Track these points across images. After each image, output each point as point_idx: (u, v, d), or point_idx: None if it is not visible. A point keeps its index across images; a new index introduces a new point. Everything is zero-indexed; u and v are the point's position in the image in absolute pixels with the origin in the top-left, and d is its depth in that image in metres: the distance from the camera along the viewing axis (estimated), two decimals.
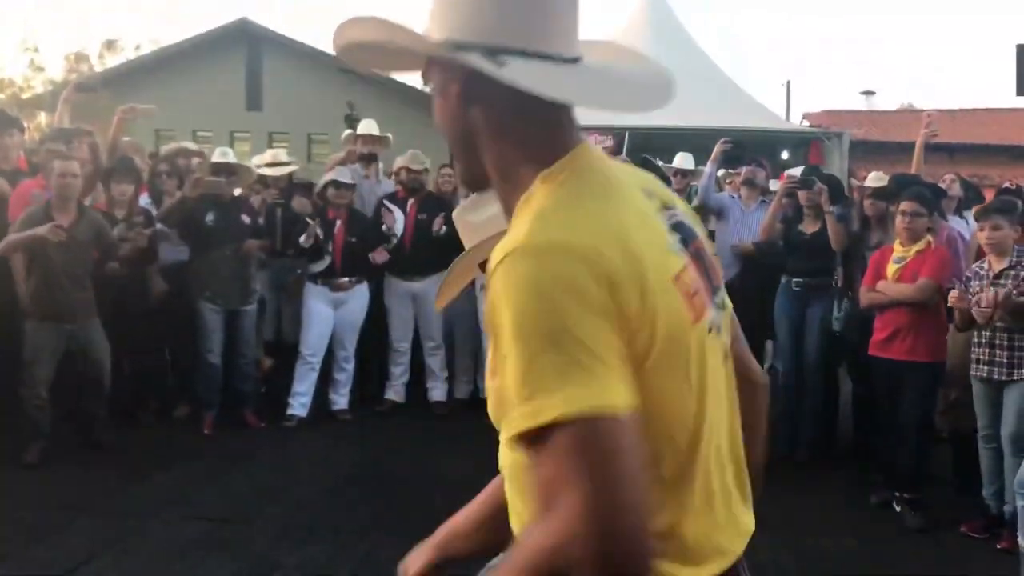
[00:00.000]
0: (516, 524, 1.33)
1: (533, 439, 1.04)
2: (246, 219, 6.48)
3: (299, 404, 6.64)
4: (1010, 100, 13.58)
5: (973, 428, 4.77)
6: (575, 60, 1.26)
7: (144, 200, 6.67)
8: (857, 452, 5.93)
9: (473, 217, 2.22)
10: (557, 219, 1.15)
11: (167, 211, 6.44)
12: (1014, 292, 4.40)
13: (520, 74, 1.18)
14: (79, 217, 5.63)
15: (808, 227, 6.05)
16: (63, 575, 3.95)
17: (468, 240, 2.39)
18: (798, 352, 6.05)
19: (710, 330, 1.27)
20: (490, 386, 1.31)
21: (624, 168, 1.35)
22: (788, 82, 25.52)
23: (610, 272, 1.10)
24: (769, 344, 6.88)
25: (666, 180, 6.95)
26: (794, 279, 6.05)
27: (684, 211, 1.36)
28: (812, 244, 5.97)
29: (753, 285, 6.50)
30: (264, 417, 6.58)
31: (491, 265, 1.13)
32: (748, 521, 1.38)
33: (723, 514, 1.29)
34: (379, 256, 6.69)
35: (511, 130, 1.27)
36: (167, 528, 4.54)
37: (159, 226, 6.46)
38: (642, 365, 1.13)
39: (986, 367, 4.55)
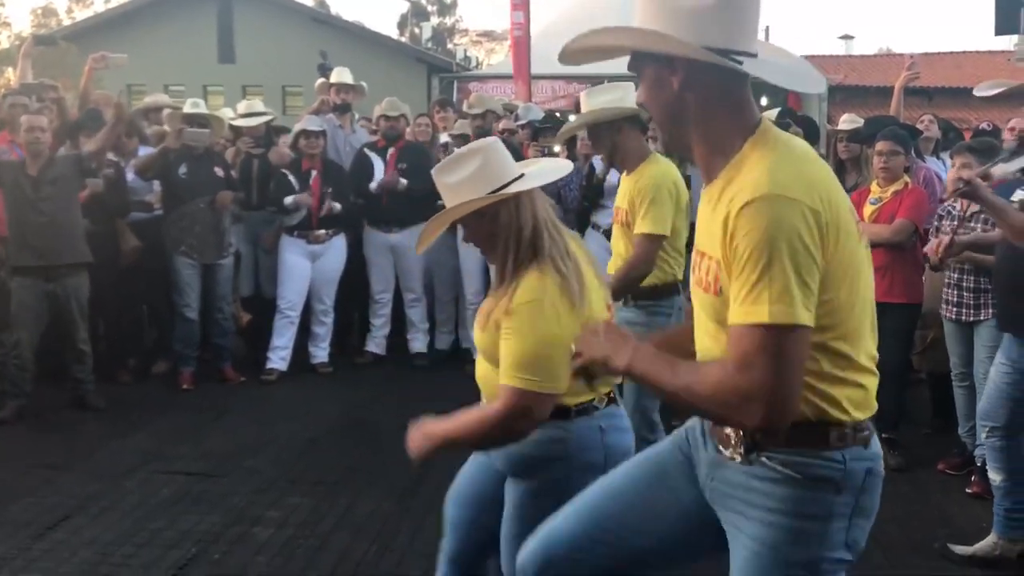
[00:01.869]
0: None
1: (748, 327, 1.56)
2: (219, 172, 6.38)
3: (278, 358, 6.61)
4: (988, 42, 13.52)
5: (950, 368, 4.80)
6: (755, 55, 1.73)
7: (141, 151, 6.59)
8: None
9: (447, 179, 2.34)
10: (784, 174, 1.60)
11: (146, 162, 6.32)
12: (958, 233, 4.40)
13: (750, 67, 1.68)
14: (49, 165, 5.57)
15: None
16: (42, 533, 3.93)
17: (447, 198, 2.37)
18: None
19: (860, 238, 1.74)
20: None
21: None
22: (767, 27, 25.39)
23: (821, 220, 1.58)
24: None
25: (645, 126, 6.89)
26: None
27: None
28: None
29: None
30: (243, 372, 6.55)
31: (737, 206, 1.59)
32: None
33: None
34: (332, 208, 6.57)
35: (720, 109, 1.73)
36: (146, 484, 4.53)
37: (131, 176, 6.37)
38: (845, 269, 1.64)
39: (955, 308, 4.56)
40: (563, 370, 2.07)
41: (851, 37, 30.39)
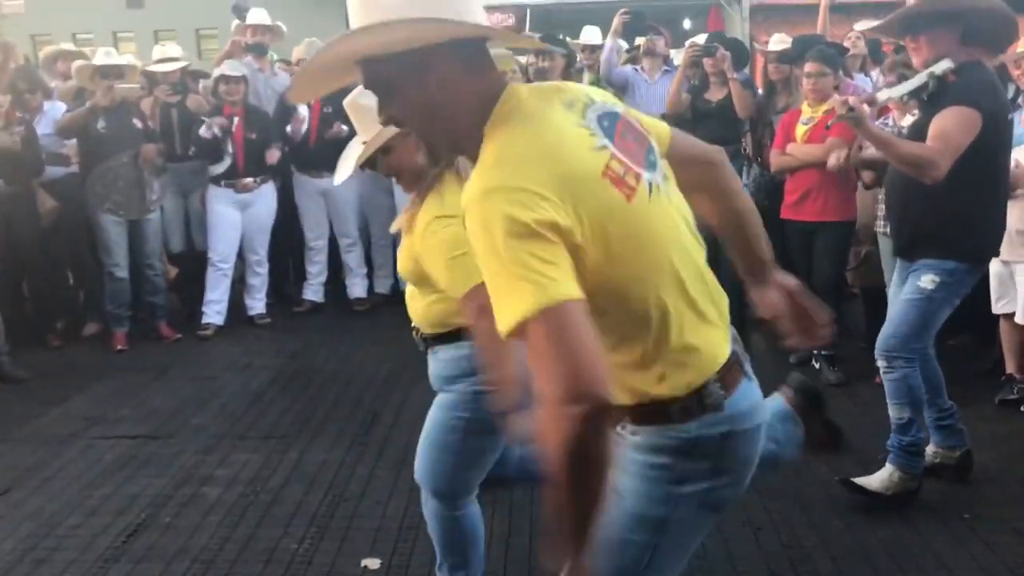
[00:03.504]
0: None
1: (514, 334, 1.37)
2: (138, 124, 6.14)
3: (214, 312, 6.47)
4: None
5: (883, 283, 4.89)
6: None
7: (59, 108, 6.28)
8: None
9: (368, 101, 2.19)
10: (496, 169, 1.42)
11: (70, 122, 6.03)
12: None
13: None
14: None
15: (714, 95, 6.01)
16: None
17: (363, 126, 2.30)
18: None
19: (650, 192, 1.56)
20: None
21: (545, 91, 1.57)
22: None
23: (538, 200, 1.38)
24: None
25: (572, 57, 6.80)
26: None
27: (602, 99, 1.62)
28: (718, 112, 5.93)
29: None
30: (179, 329, 6.40)
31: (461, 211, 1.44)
32: (722, 333, 1.71)
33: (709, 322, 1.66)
34: (271, 156, 6.43)
35: (471, 97, 1.50)
36: (89, 450, 4.41)
37: (45, 132, 6.10)
38: (607, 247, 1.46)
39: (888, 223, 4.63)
40: None
41: None
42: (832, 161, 4.70)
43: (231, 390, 5.26)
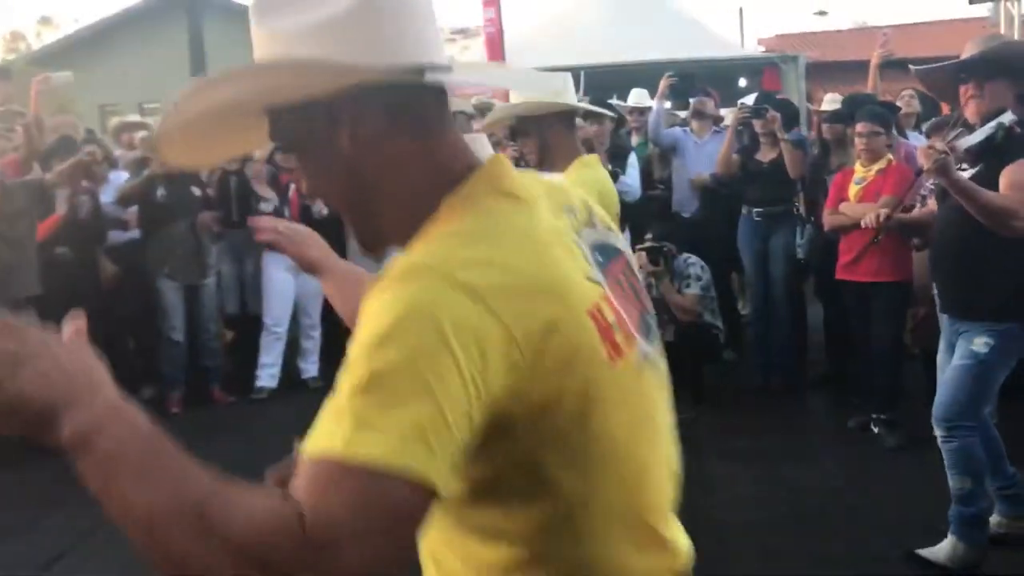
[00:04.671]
0: None
1: (335, 463, 0.88)
2: (196, 191, 6.31)
3: (267, 375, 6.54)
4: (963, 10, 13.50)
5: None
6: (450, 68, 1.12)
7: (123, 177, 6.48)
8: (831, 377, 5.93)
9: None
10: (455, 242, 1.00)
11: (129, 192, 6.23)
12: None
13: (451, 77, 1.10)
14: (9, 193, 5.38)
15: (765, 155, 5.98)
16: (38, 571, 3.86)
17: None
18: (764, 282, 6.02)
19: (642, 366, 1.12)
20: None
21: (539, 182, 1.18)
22: (740, 8, 25.40)
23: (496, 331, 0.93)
24: (734, 276, 6.85)
25: (621, 120, 6.84)
26: (755, 209, 5.99)
27: (603, 222, 1.23)
28: (770, 173, 5.90)
29: (714, 218, 6.45)
30: (232, 391, 6.47)
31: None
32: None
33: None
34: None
35: (412, 163, 1.11)
36: None
37: (105, 201, 6.28)
38: (555, 412, 0.99)
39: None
40: None
41: (825, 13, 30.52)
42: (868, 219, 4.61)
43: (279, 453, 5.23)
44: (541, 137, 3.30)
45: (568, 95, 3.33)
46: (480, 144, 1.17)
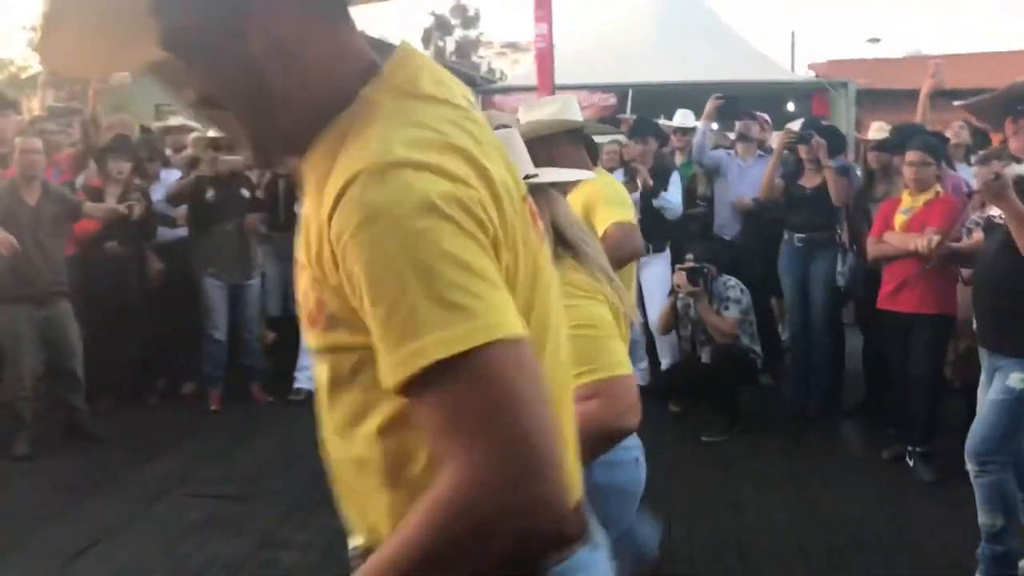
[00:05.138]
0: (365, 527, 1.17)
1: (418, 387, 0.87)
2: (245, 193, 6.42)
3: (306, 378, 6.59)
4: (1018, 42, 13.29)
5: None
6: None
7: (174, 175, 6.61)
8: (868, 406, 5.88)
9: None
10: (394, 142, 0.94)
11: (178, 191, 6.37)
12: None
13: None
14: (43, 194, 5.46)
15: (809, 181, 5.96)
16: (71, 560, 3.95)
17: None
18: (804, 308, 5.99)
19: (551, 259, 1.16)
20: (312, 339, 1.12)
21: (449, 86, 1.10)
22: (793, 32, 25.27)
23: (470, 193, 0.94)
24: (774, 301, 6.82)
25: (665, 139, 6.86)
26: (796, 234, 5.97)
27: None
28: (813, 198, 5.88)
29: (756, 242, 6.42)
30: (271, 392, 6.56)
31: (330, 198, 0.93)
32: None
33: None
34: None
35: (319, 64, 1.03)
36: (174, 507, 4.54)
37: (157, 199, 6.41)
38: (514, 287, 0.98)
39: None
40: None
41: (878, 40, 30.21)
42: (920, 244, 4.58)
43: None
44: (548, 156, 3.34)
45: (570, 112, 3.47)
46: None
